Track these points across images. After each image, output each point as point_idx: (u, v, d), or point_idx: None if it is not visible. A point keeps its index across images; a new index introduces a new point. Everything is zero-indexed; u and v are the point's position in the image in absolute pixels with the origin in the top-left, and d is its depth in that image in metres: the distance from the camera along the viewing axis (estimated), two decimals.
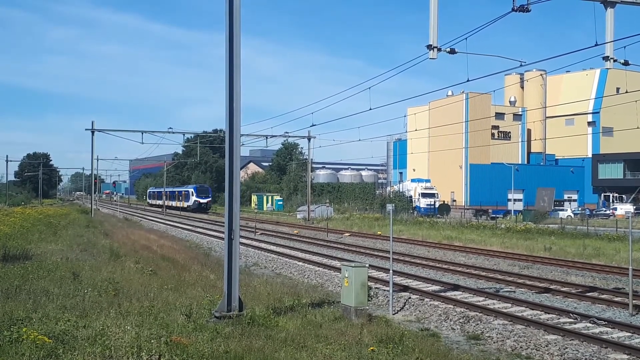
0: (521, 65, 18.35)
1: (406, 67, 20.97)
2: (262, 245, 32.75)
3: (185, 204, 79.85)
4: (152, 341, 8.82)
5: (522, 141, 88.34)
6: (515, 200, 77.28)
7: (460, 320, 14.04)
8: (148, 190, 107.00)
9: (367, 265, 14.28)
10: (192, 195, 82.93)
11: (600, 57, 16.36)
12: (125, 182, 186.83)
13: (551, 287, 18.87)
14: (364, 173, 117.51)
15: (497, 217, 60.47)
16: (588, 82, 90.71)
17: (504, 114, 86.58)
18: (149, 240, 30.51)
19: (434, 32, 15.72)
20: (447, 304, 15.75)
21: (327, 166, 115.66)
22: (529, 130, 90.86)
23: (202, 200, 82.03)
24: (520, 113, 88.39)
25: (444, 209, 67.64)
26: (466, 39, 16.07)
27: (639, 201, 78.06)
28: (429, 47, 15.77)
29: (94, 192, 66.76)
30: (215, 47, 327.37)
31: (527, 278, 20.90)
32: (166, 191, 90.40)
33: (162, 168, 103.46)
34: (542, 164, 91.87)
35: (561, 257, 27.49)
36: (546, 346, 11.67)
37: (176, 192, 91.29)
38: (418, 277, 20.66)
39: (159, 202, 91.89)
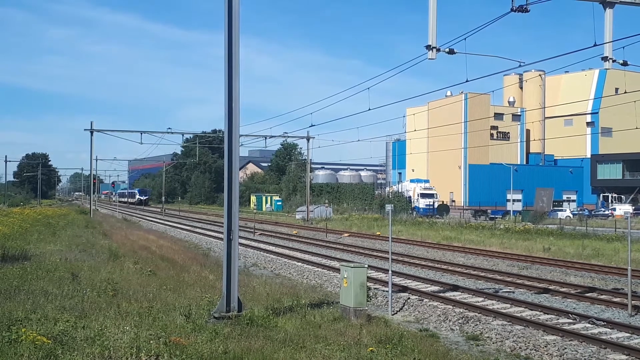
0: (520, 66, 18.34)
1: (405, 68, 21.14)
2: (261, 245, 32.74)
3: (133, 200, 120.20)
4: (151, 342, 8.81)
5: (521, 141, 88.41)
6: (514, 200, 77.33)
7: (460, 321, 14.03)
8: (117, 191, 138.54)
9: (366, 265, 14.29)
10: (137, 194, 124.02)
11: (599, 58, 16.36)
12: (124, 182, 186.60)
13: (550, 287, 18.88)
14: (363, 173, 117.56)
15: (496, 218, 60.49)
16: (587, 83, 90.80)
17: (502, 114, 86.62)
18: (148, 241, 30.50)
19: (432, 33, 15.71)
20: (446, 305, 15.75)
21: (326, 166, 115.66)
22: (527, 131, 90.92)
23: (142, 198, 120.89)
24: (519, 113, 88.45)
25: (443, 209, 67.67)
26: (465, 39, 16.08)
27: (638, 201, 78.16)
28: (428, 47, 15.75)
29: (93, 193, 66.73)
30: (214, 47, 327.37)
31: (526, 278, 20.90)
32: (123, 191, 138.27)
33: (161, 168, 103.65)
34: (541, 164, 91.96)
35: (560, 257, 27.50)
36: (545, 346, 11.67)
37: (130, 192, 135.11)
38: (417, 278, 20.66)
39: (122, 199, 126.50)
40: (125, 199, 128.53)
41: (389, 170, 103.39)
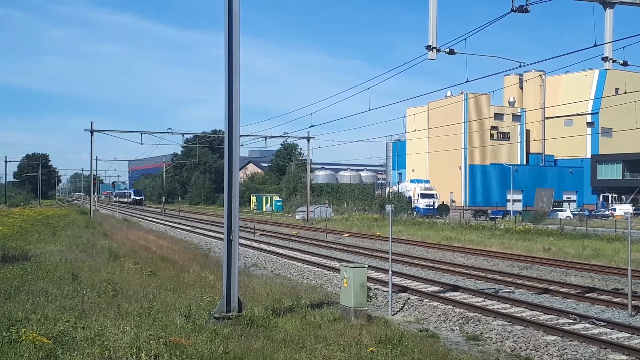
0: (520, 66, 18.33)
1: (405, 68, 21.14)
2: (262, 246, 32.73)
3: (129, 200, 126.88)
4: (151, 342, 8.82)
5: (521, 142, 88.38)
6: (514, 200, 77.29)
7: (460, 321, 14.03)
8: (114, 192, 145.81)
9: (366, 266, 14.28)
10: (132, 195, 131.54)
11: (599, 58, 16.37)
12: (124, 182, 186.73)
13: (550, 287, 18.87)
14: (363, 174, 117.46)
15: (496, 218, 60.50)
16: (587, 83, 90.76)
17: (503, 114, 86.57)
18: (148, 241, 30.49)
19: (433, 33, 15.71)
20: (446, 305, 15.75)
21: (326, 167, 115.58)
22: (528, 131, 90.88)
23: (137, 198, 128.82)
24: (519, 114, 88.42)
25: (443, 209, 67.68)
26: (465, 39, 16.09)
27: (638, 202, 78.13)
28: (428, 47, 15.75)
29: (93, 193, 66.75)
30: (214, 47, 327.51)
31: (526, 279, 20.90)
32: (120, 192, 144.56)
33: (161, 169, 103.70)
34: (541, 164, 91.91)
35: (560, 257, 27.49)
36: (545, 347, 11.67)
37: (126, 192, 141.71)
38: (417, 278, 20.66)
39: (118, 199, 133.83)
40: (121, 199, 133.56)
41: (389, 171, 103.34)
